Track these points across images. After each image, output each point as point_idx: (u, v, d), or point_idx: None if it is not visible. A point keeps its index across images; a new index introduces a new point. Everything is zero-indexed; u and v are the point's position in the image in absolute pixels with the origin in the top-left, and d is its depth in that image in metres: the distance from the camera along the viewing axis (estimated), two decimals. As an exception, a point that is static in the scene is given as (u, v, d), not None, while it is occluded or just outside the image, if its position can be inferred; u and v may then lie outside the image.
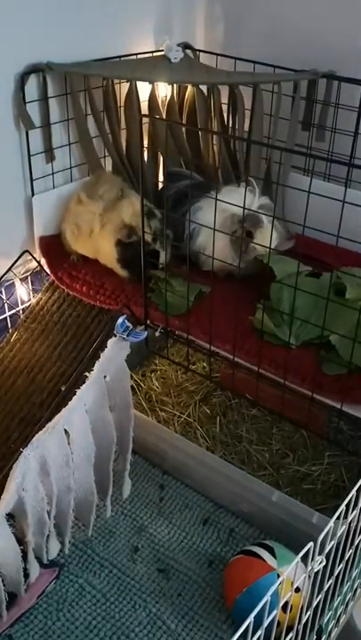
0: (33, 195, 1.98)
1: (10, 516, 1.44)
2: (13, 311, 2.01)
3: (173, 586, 1.70)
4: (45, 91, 1.89)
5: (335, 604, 1.41)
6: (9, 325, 2.00)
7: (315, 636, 1.32)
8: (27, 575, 1.52)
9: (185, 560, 1.77)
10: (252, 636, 0.93)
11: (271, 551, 1.57)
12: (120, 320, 1.67)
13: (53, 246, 2.03)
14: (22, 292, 2.01)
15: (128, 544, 1.81)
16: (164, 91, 2.20)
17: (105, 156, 2.15)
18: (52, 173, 2.03)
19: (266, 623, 0.92)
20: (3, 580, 1.46)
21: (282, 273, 1.72)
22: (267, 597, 0.94)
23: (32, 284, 2.04)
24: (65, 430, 1.56)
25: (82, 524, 1.74)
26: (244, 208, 1.54)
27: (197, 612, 1.63)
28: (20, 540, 1.48)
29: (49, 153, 1.98)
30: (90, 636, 1.57)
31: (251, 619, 0.86)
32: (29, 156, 1.92)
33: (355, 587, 1.54)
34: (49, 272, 2.00)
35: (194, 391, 2.38)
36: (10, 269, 1.96)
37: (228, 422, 2.23)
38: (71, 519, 1.62)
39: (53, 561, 1.66)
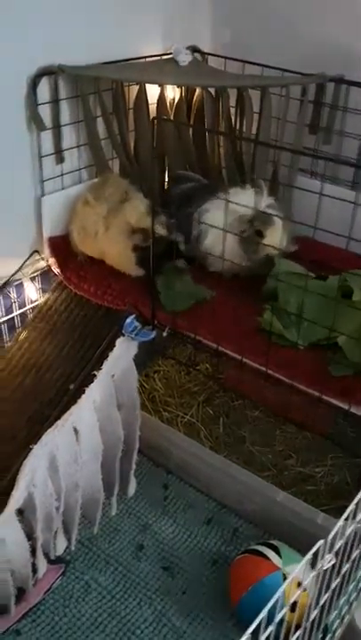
0: (43, 195, 2.00)
1: (19, 512, 1.46)
2: (22, 310, 2.03)
3: (178, 584, 1.71)
4: (56, 93, 1.91)
5: (340, 603, 1.42)
6: (18, 324, 2.02)
7: (320, 635, 1.33)
8: (34, 570, 1.54)
9: (189, 559, 1.78)
10: (263, 632, 0.94)
11: (276, 550, 1.58)
12: (128, 320, 1.70)
13: (62, 246, 2.05)
14: (31, 292, 2.03)
15: (133, 542, 1.83)
16: (172, 93, 2.22)
17: (113, 158, 2.17)
18: (62, 175, 2.05)
19: (277, 619, 0.94)
20: (12, 575, 1.47)
21: (281, 267, 1.75)
22: (278, 595, 0.96)
23: (40, 284, 2.05)
24: (73, 428, 1.58)
25: (87, 522, 1.76)
26: (253, 208, 1.56)
27: (202, 610, 1.65)
28: (29, 536, 1.50)
29: (59, 154, 2.00)
30: (96, 632, 1.58)
31: (265, 613, 0.88)
32: (40, 157, 1.94)
33: (359, 586, 1.56)
34: (57, 272, 2.02)
35: (197, 392, 2.39)
36: (19, 269, 1.98)
37: (231, 423, 2.24)
38: (78, 516, 1.64)
39: (60, 557, 1.68)
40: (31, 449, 1.47)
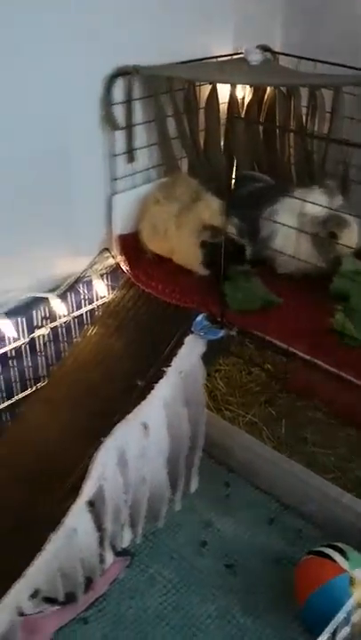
0: (114, 194, 2.03)
1: (90, 504, 1.50)
2: (91, 307, 2.07)
3: (241, 582, 1.72)
4: (130, 93, 1.94)
5: None
6: (87, 320, 2.06)
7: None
8: (102, 561, 1.58)
9: (252, 557, 1.79)
10: (340, 632, 0.95)
11: (343, 553, 1.57)
12: (199, 318, 1.72)
13: (131, 244, 2.08)
14: (100, 289, 2.07)
15: (195, 538, 1.85)
16: (242, 92, 2.22)
17: (181, 158, 2.19)
18: (132, 174, 2.08)
19: (356, 619, 0.94)
20: (81, 564, 1.51)
21: (349, 266, 1.73)
22: (355, 597, 0.95)
23: (109, 281, 2.09)
24: (143, 423, 1.61)
25: (152, 516, 1.78)
26: (327, 208, 1.55)
27: (266, 609, 1.65)
28: (98, 527, 1.53)
29: (130, 154, 2.03)
30: (161, 624, 1.61)
31: (344, 613, 0.88)
32: (112, 156, 1.98)
33: None
34: (126, 270, 2.05)
35: (258, 392, 2.39)
36: (89, 267, 2.02)
37: (293, 424, 2.24)
38: (145, 510, 1.67)
39: (126, 550, 1.71)
40: (102, 442, 1.51)
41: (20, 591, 1.38)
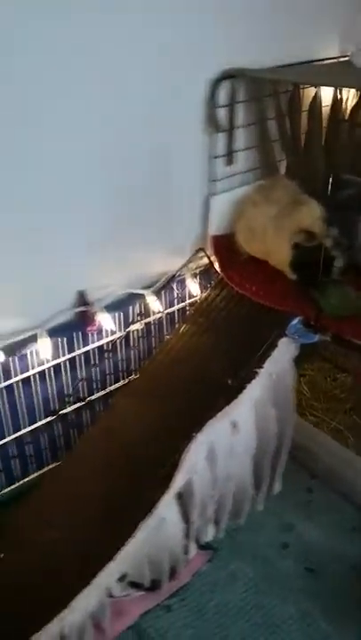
0: (212, 195, 2.07)
1: (178, 496, 1.54)
2: (183, 304, 2.11)
3: (322, 586, 1.72)
4: (234, 96, 1.96)
5: None
6: (178, 318, 2.11)
7: None
8: (186, 552, 1.62)
9: (333, 563, 1.78)
10: None
11: None
12: (294, 321, 1.72)
13: (225, 245, 2.11)
14: (193, 288, 2.11)
15: (277, 539, 1.86)
16: (346, 95, 2.20)
17: (280, 160, 2.20)
18: (231, 176, 2.11)
19: None
20: (167, 553, 1.56)
21: None
22: None
23: (202, 281, 2.13)
24: (232, 422, 1.63)
25: (235, 512, 1.81)
26: None
27: (347, 615, 1.64)
28: (185, 519, 1.57)
29: (230, 156, 2.06)
30: (242, 620, 1.63)
31: None
32: (212, 158, 2.01)
33: None
34: (219, 270, 2.08)
35: (343, 399, 2.36)
36: (185, 265, 2.07)
37: (379, 433, 2.20)
38: (230, 506, 1.70)
39: (208, 544, 1.75)
40: (194, 436, 1.55)
41: (109, 574, 1.44)
